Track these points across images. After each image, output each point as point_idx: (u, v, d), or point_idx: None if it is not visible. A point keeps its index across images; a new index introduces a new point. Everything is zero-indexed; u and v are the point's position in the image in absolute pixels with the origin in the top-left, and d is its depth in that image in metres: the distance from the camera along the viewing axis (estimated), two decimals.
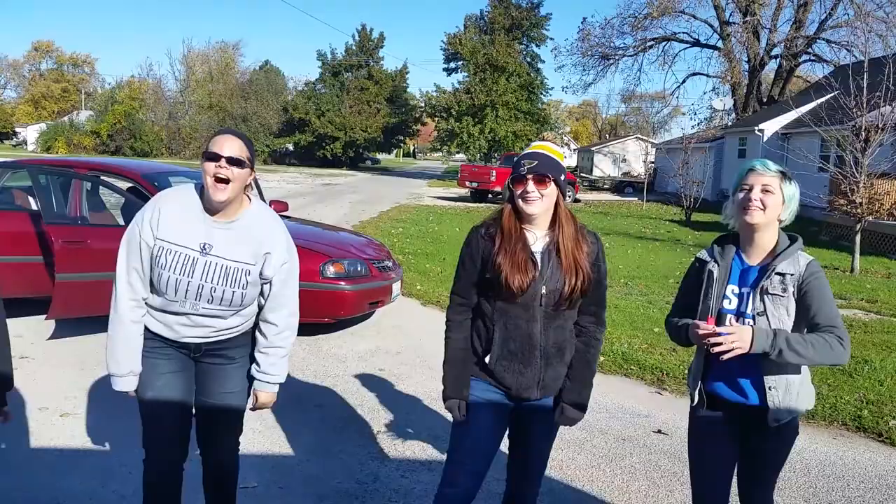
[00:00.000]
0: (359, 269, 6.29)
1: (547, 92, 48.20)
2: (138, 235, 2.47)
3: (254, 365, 2.69)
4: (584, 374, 2.54)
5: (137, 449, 2.71)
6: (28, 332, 5.88)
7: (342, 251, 6.47)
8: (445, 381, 2.54)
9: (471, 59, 44.51)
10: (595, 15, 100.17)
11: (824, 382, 5.44)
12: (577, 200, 26.09)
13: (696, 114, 46.77)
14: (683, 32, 36.94)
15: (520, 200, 2.39)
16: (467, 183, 26.38)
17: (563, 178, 2.43)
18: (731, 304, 2.42)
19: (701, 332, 2.31)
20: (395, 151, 74.84)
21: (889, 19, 28.15)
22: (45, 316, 5.47)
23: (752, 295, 2.37)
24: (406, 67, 58.33)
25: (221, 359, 2.66)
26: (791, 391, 2.38)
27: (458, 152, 49.01)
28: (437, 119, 48.01)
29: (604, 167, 47.59)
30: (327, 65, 57.02)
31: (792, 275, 2.33)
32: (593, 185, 39.23)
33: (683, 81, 41.06)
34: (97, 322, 5.75)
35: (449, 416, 2.62)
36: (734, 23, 34.21)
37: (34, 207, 6.27)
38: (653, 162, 34.76)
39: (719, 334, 2.28)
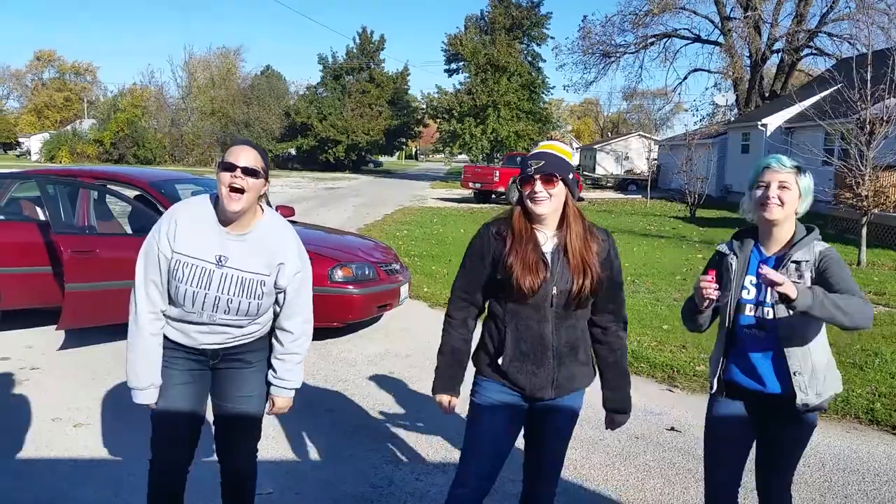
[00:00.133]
0: (367, 272, 6.30)
1: (548, 91, 48.26)
2: (156, 248, 2.49)
3: (270, 371, 2.73)
4: (620, 380, 2.59)
5: (149, 458, 2.73)
6: (38, 342, 5.90)
7: (350, 255, 6.47)
8: (437, 375, 2.57)
9: (472, 59, 44.55)
10: (595, 13, 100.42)
11: None
12: (580, 199, 26.07)
13: (698, 110, 46.80)
14: (684, 28, 36.98)
15: (528, 201, 2.38)
16: (471, 184, 26.35)
17: (571, 176, 2.42)
18: (749, 294, 2.48)
19: (703, 284, 2.40)
20: (397, 154, 74.90)
21: (891, 11, 28.07)
22: (55, 326, 5.49)
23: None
24: (407, 69, 58.39)
25: (239, 363, 2.69)
26: (817, 375, 2.41)
27: (460, 153, 49.04)
28: (438, 120, 48.04)
29: (606, 165, 47.60)
30: (328, 68, 57.08)
31: (807, 261, 2.39)
32: (596, 184, 39.19)
33: (685, 78, 40.90)
34: (107, 331, 5.80)
35: (463, 414, 2.63)
36: (735, 18, 34.19)
37: (42, 218, 6.30)
38: (656, 159, 34.72)
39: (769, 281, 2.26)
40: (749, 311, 2.47)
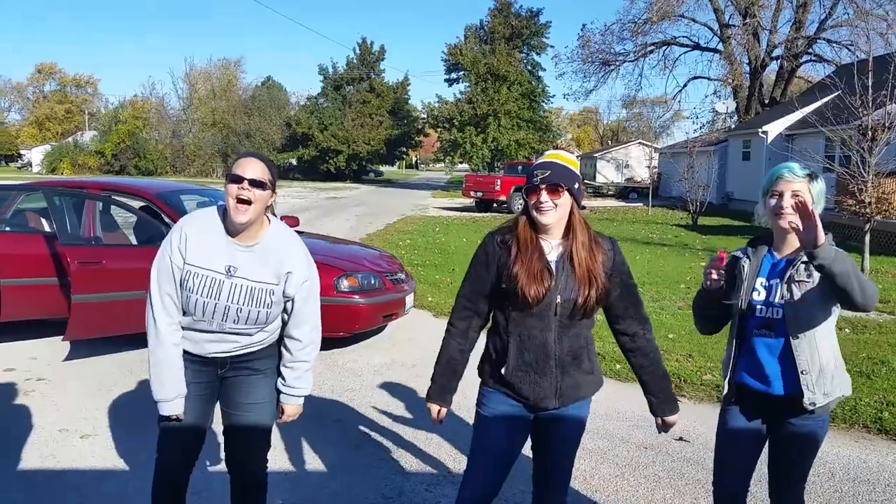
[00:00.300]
0: (372, 282, 6.30)
1: (548, 100, 48.36)
2: (169, 261, 2.54)
3: (279, 379, 2.76)
4: (661, 383, 2.59)
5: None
6: (44, 353, 5.90)
7: (356, 265, 6.47)
8: (431, 383, 2.59)
9: (472, 69, 44.68)
10: (595, 22, 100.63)
11: None
12: (582, 207, 25.74)
13: (698, 117, 46.78)
14: (683, 36, 37.15)
15: (534, 211, 2.39)
16: (472, 193, 26.39)
17: (577, 186, 2.42)
18: (759, 295, 2.53)
19: (710, 265, 2.49)
20: (397, 163, 75.04)
21: (889, 17, 28.16)
22: (61, 337, 5.48)
23: (779, 285, 2.47)
24: (407, 79, 58.64)
25: (248, 371, 2.72)
26: (825, 375, 2.43)
27: (461, 162, 49.10)
28: (439, 130, 48.14)
29: (607, 173, 47.59)
30: (329, 79, 57.30)
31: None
32: (597, 192, 39.20)
33: (685, 85, 41.49)
34: (112, 342, 5.80)
35: (462, 422, 2.62)
36: (734, 25, 34.31)
37: (47, 229, 6.31)
38: (656, 167, 34.74)
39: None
40: (759, 311, 2.51)
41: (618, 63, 38.05)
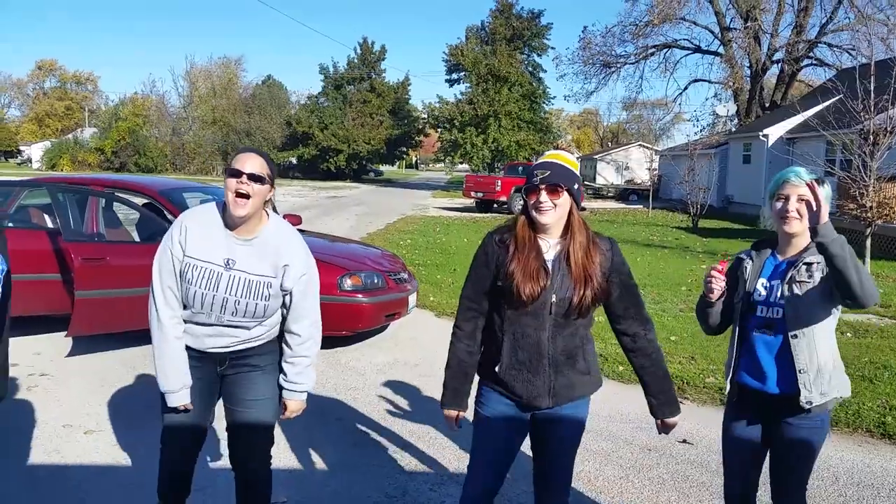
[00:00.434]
0: (376, 281, 6.29)
1: (549, 101, 48.37)
2: (170, 254, 2.58)
3: (281, 375, 2.78)
4: (662, 384, 2.58)
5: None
6: (46, 349, 5.89)
7: (359, 264, 6.47)
8: (444, 389, 2.58)
9: (473, 69, 44.68)
10: (596, 24, 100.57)
11: None
12: (582, 209, 25.78)
13: (698, 120, 46.84)
14: (684, 39, 37.10)
15: (533, 210, 2.40)
16: (472, 193, 26.39)
17: (576, 186, 2.43)
18: (760, 295, 2.58)
19: (712, 273, 2.57)
20: (397, 163, 75.03)
21: (890, 22, 28.19)
22: (64, 333, 5.48)
23: (780, 285, 2.52)
24: (408, 79, 58.64)
25: (248, 367, 2.74)
26: (822, 375, 2.47)
27: (461, 163, 49.10)
28: (440, 130, 48.15)
29: (607, 175, 47.66)
30: (329, 78, 57.27)
31: (818, 263, 2.45)
32: (597, 194, 39.24)
33: (685, 88, 40.99)
34: (114, 339, 5.79)
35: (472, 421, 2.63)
36: (735, 28, 34.32)
37: (50, 225, 6.30)
38: (656, 169, 34.77)
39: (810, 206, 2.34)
40: (760, 311, 2.55)
41: (619, 65, 38.06)
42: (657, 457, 4.26)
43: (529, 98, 45.54)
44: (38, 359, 5.66)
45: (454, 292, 9.04)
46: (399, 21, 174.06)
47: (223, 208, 2.58)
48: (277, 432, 4.20)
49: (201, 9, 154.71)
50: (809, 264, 2.48)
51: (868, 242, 11.88)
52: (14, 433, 4.19)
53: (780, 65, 33.84)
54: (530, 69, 47.08)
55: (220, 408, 2.89)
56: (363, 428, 4.59)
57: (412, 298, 6.81)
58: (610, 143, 69.27)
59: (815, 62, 33.64)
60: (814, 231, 2.28)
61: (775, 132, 24.58)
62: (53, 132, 75.87)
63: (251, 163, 2.52)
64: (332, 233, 11.96)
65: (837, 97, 14.47)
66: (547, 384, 2.43)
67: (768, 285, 2.57)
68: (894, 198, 14.07)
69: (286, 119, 58.17)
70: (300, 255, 2.65)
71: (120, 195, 6.36)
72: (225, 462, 2.82)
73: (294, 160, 58.78)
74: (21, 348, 5.88)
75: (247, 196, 2.48)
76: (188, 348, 2.67)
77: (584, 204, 2.58)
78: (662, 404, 2.59)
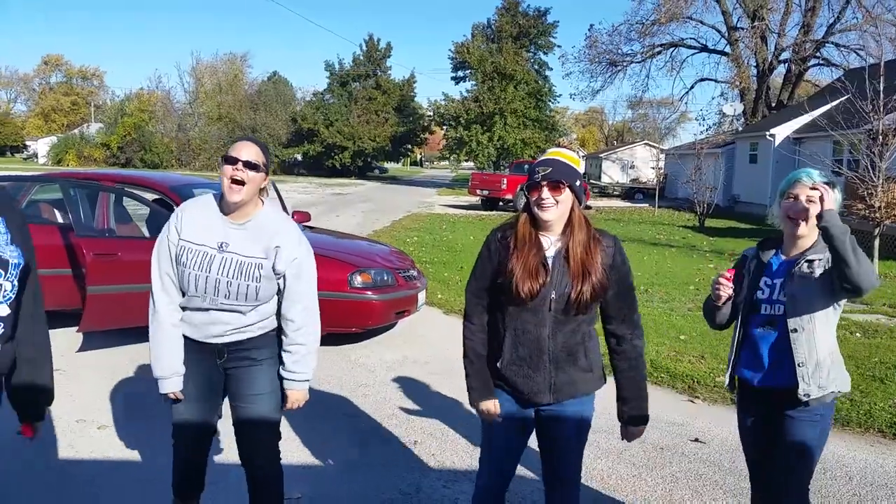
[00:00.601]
0: (385, 278, 6.29)
1: (555, 99, 48.28)
2: (167, 241, 2.68)
3: (281, 366, 2.80)
4: (634, 391, 2.56)
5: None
6: (58, 344, 5.87)
7: (369, 261, 6.47)
8: (470, 384, 2.58)
9: (479, 67, 44.63)
10: (602, 22, 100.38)
11: (856, 389, 5.38)
12: (588, 207, 25.97)
13: (704, 119, 46.65)
14: (691, 38, 37.08)
15: (535, 207, 2.41)
16: (478, 191, 26.37)
17: (578, 183, 2.44)
18: (763, 294, 2.64)
19: (720, 280, 2.64)
20: (402, 160, 75.04)
21: None
22: (75, 329, 5.49)
23: (783, 282, 2.58)
24: (413, 77, 58.63)
25: (247, 360, 2.76)
26: (821, 369, 2.53)
27: (466, 160, 49.08)
28: (445, 127, 48.12)
29: (612, 174, 47.57)
30: (335, 75, 57.30)
31: (820, 259, 2.53)
32: (603, 192, 39.18)
33: (692, 87, 41.07)
34: (126, 334, 5.80)
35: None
36: (742, 28, 34.23)
37: (60, 220, 6.32)
38: (661, 168, 34.70)
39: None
40: (764, 310, 2.61)
41: (625, 64, 38.01)
42: (669, 455, 4.26)
43: (535, 96, 45.48)
44: None
45: (462, 290, 9.02)
46: (405, 18, 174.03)
47: (220, 196, 2.67)
48: (290, 428, 4.26)
49: (207, 5, 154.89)
50: (811, 261, 2.55)
51: (876, 243, 11.85)
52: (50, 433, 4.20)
53: (786, 64, 33.75)
54: (536, 67, 46.99)
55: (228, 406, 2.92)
56: (375, 425, 4.59)
57: (421, 296, 6.81)
58: (615, 142, 69.15)
59: (822, 62, 33.60)
60: (819, 216, 2.35)
61: (782, 132, 24.50)
62: (59, 127, 76.05)
63: (247, 151, 2.59)
64: (338, 230, 11.96)
65: (845, 97, 14.39)
66: (547, 380, 2.44)
67: (771, 283, 2.62)
68: None
69: (292, 116, 58.20)
70: (292, 238, 2.70)
71: (131, 190, 6.37)
72: (237, 457, 2.83)
73: (299, 157, 58.85)
74: None
75: (242, 182, 2.56)
76: (188, 340, 2.72)
77: (589, 202, 2.60)
78: (633, 410, 2.58)
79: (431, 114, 52.29)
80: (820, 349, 2.53)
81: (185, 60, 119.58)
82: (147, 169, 49.12)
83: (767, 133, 24.95)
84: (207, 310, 2.66)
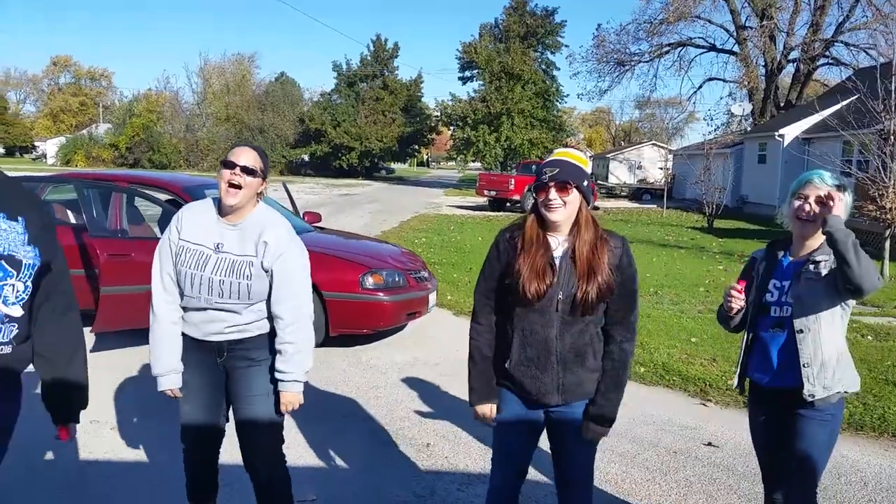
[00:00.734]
0: (397, 279, 6.29)
1: (562, 99, 48.22)
2: (168, 241, 2.76)
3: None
4: (608, 390, 2.50)
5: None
6: None
7: (380, 262, 6.47)
8: (470, 386, 2.59)
9: (486, 67, 44.60)
10: (610, 21, 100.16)
11: (869, 392, 5.36)
12: (595, 208, 25.69)
13: (712, 119, 46.49)
14: (699, 37, 36.92)
15: (543, 208, 2.41)
16: (486, 192, 26.35)
17: (585, 183, 2.43)
18: (772, 296, 2.66)
19: (732, 293, 2.68)
20: (409, 161, 75.05)
21: None
22: (89, 329, 5.50)
23: (790, 284, 2.61)
24: (421, 77, 58.61)
25: (245, 361, 2.78)
26: (826, 369, 2.55)
27: (473, 161, 49.08)
28: (452, 128, 48.12)
29: (619, 174, 47.45)
30: (342, 75, 57.35)
31: (826, 260, 2.54)
32: (611, 193, 39.10)
33: (700, 86, 40.93)
34: (138, 335, 5.80)
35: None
36: (750, 27, 34.07)
37: (73, 221, 6.34)
38: (669, 169, 34.60)
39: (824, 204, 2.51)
40: (773, 311, 2.63)
41: (633, 63, 37.90)
42: (683, 459, 4.25)
43: (543, 96, 45.43)
44: None
45: (471, 291, 8.99)
46: (412, 19, 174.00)
47: (220, 203, 2.74)
48: (301, 431, 4.26)
49: (215, 5, 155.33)
50: (818, 262, 2.56)
51: (887, 244, 11.78)
52: (42, 429, 4.21)
53: (795, 64, 33.59)
54: (544, 67, 46.94)
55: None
56: (387, 427, 4.59)
57: (432, 297, 6.81)
58: (623, 142, 69.00)
59: (831, 61, 33.37)
60: (824, 221, 2.39)
61: (791, 132, 24.39)
62: (68, 128, 76.37)
63: (245, 156, 2.66)
64: (346, 230, 11.97)
65: (855, 97, 14.32)
66: (555, 381, 2.44)
67: (780, 285, 2.64)
68: None
69: (299, 116, 58.29)
70: (280, 235, 2.72)
71: (144, 191, 6.40)
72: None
73: (306, 157, 58.92)
74: None
75: (238, 186, 2.63)
76: (189, 339, 2.77)
77: (597, 203, 2.60)
78: (601, 409, 2.49)
79: (439, 114, 52.29)
80: (825, 350, 2.55)
81: (194, 61, 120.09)
82: (155, 169, 49.29)
83: (776, 133, 24.84)
84: (205, 309, 2.72)
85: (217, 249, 2.68)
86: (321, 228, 7.81)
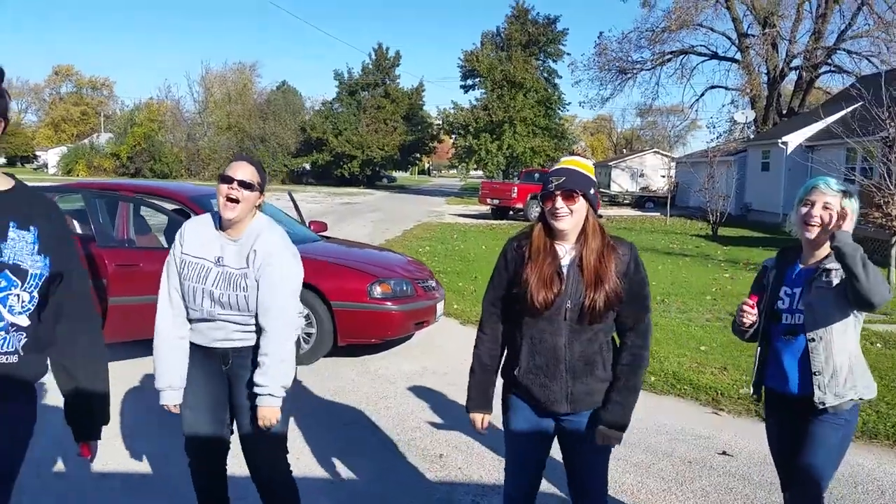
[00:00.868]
0: (405, 289, 6.26)
1: (564, 107, 48.31)
2: (173, 256, 2.81)
3: None
4: (620, 394, 2.46)
5: None
6: None
7: (388, 271, 6.45)
8: (468, 393, 2.61)
9: (488, 75, 44.72)
10: (612, 29, 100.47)
11: (881, 400, 5.32)
12: (599, 216, 25.59)
13: (714, 126, 46.35)
14: (701, 45, 36.98)
15: (549, 217, 2.41)
16: (488, 200, 26.36)
17: (592, 191, 2.44)
18: (784, 303, 2.68)
19: (744, 308, 2.71)
20: (410, 169, 75.15)
21: None
22: None
23: (802, 291, 2.61)
24: (422, 85, 58.73)
25: (250, 369, 2.76)
26: (837, 377, 2.55)
27: (475, 169, 49.15)
28: (454, 136, 48.19)
29: (621, 182, 47.45)
30: (344, 84, 57.50)
31: (838, 269, 2.52)
32: (613, 201, 39.09)
33: (702, 94, 40.70)
34: (146, 346, 5.77)
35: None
36: (753, 35, 34.14)
37: (80, 231, 6.31)
38: (672, 177, 34.60)
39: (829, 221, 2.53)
40: (785, 319, 2.65)
41: (635, 71, 37.95)
42: (698, 469, 4.21)
43: (544, 104, 45.53)
44: None
45: (477, 300, 8.99)
46: (414, 27, 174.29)
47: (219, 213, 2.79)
48: (312, 441, 4.23)
49: (216, 14, 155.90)
50: (828, 270, 2.57)
51: (893, 251, 11.74)
52: (54, 441, 4.19)
53: (798, 71, 33.62)
54: (545, 75, 47.05)
55: None
56: (399, 437, 4.56)
57: (440, 306, 6.78)
58: (624, 150, 69.06)
59: (833, 69, 33.42)
60: (832, 236, 2.42)
61: (795, 139, 24.41)
62: (69, 137, 76.53)
63: (242, 170, 2.70)
64: (350, 240, 11.95)
65: (859, 104, 14.33)
66: (564, 390, 2.43)
67: (791, 292, 2.65)
68: None
69: (300, 125, 58.39)
70: (268, 244, 2.73)
71: (150, 200, 6.38)
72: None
73: (308, 166, 58.99)
74: None
75: (236, 201, 2.67)
76: (195, 347, 2.79)
77: (600, 211, 2.60)
78: (613, 415, 2.44)
79: (440, 122, 52.38)
80: (837, 358, 2.56)
81: (195, 70, 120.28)
82: (157, 179, 49.36)
83: (780, 141, 24.85)
84: (206, 320, 2.76)
85: (217, 263, 2.72)
86: (327, 238, 7.79)
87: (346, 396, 5.28)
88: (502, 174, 43.71)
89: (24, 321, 1.96)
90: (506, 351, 2.59)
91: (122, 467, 3.94)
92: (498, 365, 2.60)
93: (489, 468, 4.08)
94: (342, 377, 5.74)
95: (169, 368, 2.77)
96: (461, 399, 5.21)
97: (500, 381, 2.63)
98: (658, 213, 30.20)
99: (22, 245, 1.95)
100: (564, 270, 2.41)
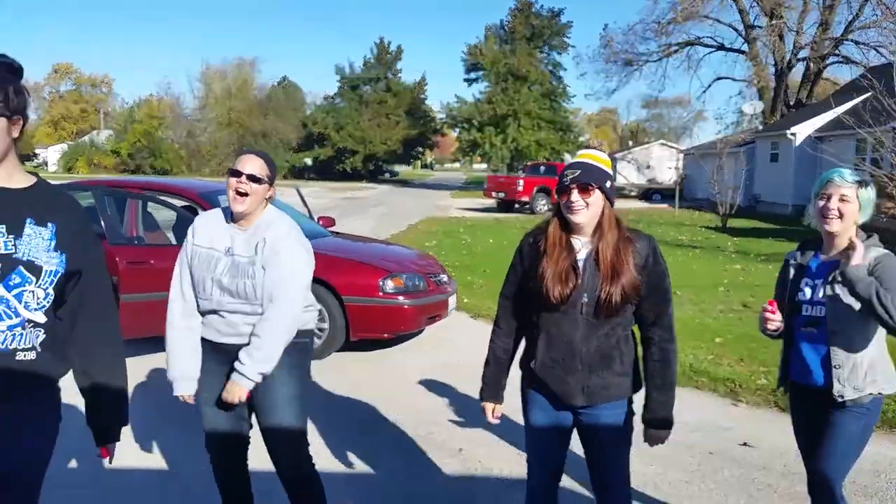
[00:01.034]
0: (417, 283, 6.22)
1: (569, 100, 48.21)
2: (185, 249, 2.86)
3: None
4: (657, 391, 2.51)
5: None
6: None
7: (400, 266, 6.40)
8: (482, 383, 2.66)
9: (492, 68, 44.66)
10: (617, 21, 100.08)
11: None
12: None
13: (722, 118, 46.33)
14: (708, 37, 36.83)
15: (566, 210, 2.40)
16: (494, 193, 26.32)
17: (608, 184, 2.42)
18: (805, 295, 2.69)
19: (766, 315, 2.71)
20: (412, 163, 75.12)
21: None
22: None
23: (824, 285, 2.61)
24: (424, 79, 58.67)
25: None
26: (857, 371, 2.55)
27: (480, 162, 49.14)
28: (458, 129, 48.15)
29: (628, 174, 47.28)
30: (345, 78, 57.48)
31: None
32: (620, 193, 38.93)
33: (709, 86, 40.49)
34: (158, 342, 5.74)
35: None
36: (759, 26, 33.97)
37: None
38: (679, 168, 34.46)
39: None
40: (805, 311, 2.67)
41: (641, 63, 37.81)
42: (720, 460, 4.17)
43: (549, 97, 45.49)
44: None
45: (487, 294, 8.94)
46: (416, 21, 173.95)
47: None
48: (329, 436, 4.20)
49: (216, 10, 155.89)
50: (845, 277, 2.52)
51: None
52: (72, 439, 4.15)
53: (805, 63, 33.43)
54: (550, 68, 47.01)
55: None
56: (416, 432, 4.52)
57: (452, 300, 6.73)
58: (630, 142, 68.90)
59: (841, 60, 33.16)
60: (842, 274, 2.45)
61: (803, 130, 24.29)
62: (69, 135, 76.54)
63: (251, 164, 2.73)
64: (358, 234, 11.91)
65: (868, 94, 14.22)
66: (580, 384, 2.42)
67: (812, 284, 2.66)
68: None
69: (302, 120, 58.34)
70: (278, 234, 2.75)
71: (160, 197, 6.34)
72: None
73: (310, 161, 58.94)
74: None
75: (245, 194, 2.70)
76: (208, 344, 2.82)
77: None
78: (655, 413, 2.51)
79: (444, 116, 52.32)
80: (858, 352, 2.55)
81: (195, 66, 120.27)
82: (157, 175, 49.41)
83: (788, 132, 24.75)
84: (219, 311, 2.77)
85: (227, 252, 2.76)
86: (336, 233, 7.75)
87: (359, 392, 5.24)
88: (507, 167, 43.63)
89: (40, 318, 1.95)
90: (523, 344, 2.59)
91: (140, 464, 3.92)
92: (511, 359, 2.64)
93: (510, 462, 4.04)
94: (355, 372, 5.71)
95: (180, 357, 2.81)
96: (475, 393, 5.19)
97: (519, 375, 2.64)
98: (666, 205, 30.11)
99: (38, 241, 1.93)
100: (581, 264, 2.39)
